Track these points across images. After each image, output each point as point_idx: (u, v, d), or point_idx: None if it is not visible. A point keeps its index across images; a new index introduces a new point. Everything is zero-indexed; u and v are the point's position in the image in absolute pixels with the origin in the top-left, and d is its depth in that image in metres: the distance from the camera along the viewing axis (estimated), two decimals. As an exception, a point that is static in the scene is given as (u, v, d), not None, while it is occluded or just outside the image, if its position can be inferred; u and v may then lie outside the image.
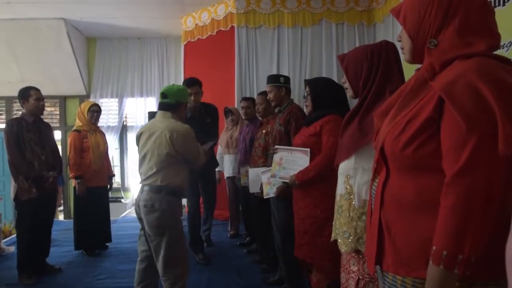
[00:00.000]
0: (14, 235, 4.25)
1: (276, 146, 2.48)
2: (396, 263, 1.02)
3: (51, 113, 6.61)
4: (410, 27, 1.05)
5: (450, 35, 0.98)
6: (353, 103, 1.80)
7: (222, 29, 5.06)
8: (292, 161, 2.27)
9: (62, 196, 6.13)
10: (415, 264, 0.96)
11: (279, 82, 2.90)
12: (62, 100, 6.57)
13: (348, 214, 1.56)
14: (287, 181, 2.32)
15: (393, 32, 4.35)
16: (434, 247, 0.89)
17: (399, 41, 1.14)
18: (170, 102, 2.41)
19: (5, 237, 4.62)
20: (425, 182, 0.96)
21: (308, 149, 2.20)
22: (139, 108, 6.66)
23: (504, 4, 2.73)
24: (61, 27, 5.59)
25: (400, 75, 1.59)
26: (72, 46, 5.79)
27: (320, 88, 2.33)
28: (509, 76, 0.88)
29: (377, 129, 1.14)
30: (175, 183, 2.31)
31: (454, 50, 0.96)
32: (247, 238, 4.18)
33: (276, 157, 2.39)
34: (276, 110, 3.03)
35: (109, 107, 6.58)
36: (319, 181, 2.13)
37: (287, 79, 2.94)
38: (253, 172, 3.09)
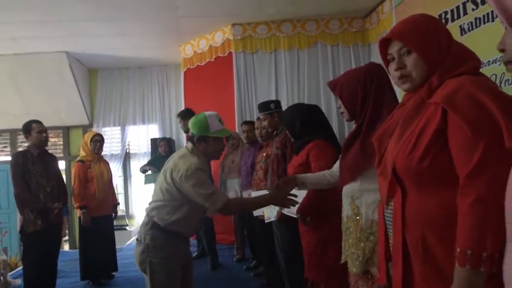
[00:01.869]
0: (20, 268, 4.25)
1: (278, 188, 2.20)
2: (430, 280, 1.02)
3: (54, 143, 6.69)
4: (426, 54, 1.08)
5: (449, 62, 1.06)
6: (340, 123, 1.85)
7: (220, 55, 5.18)
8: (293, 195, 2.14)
9: (67, 226, 6.16)
10: (450, 278, 0.96)
11: (270, 109, 2.97)
12: (66, 131, 6.66)
13: (356, 235, 1.58)
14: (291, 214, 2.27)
15: (387, 51, 4.44)
16: (458, 249, 0.92)
17: (401, 67, 1.14)
18: (191, 135, 2.18)
19: (11, 269, 4.61)
20: (447, 195, 0.99)
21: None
22: (142, 136, 6.74)
23: (493, 20, 2.82)
24: (63, 60, 5.73)
25: (392, 93, 1.64)
26: (75, 77, 5.92)
27: (290, 119, 2.42)
28: (493, 84, 0.99)
29: (379, 154, 1.18)
30: (165, 221, 2.04)
31: (450, 72, 1.05)
32: (253, 262, 4.17)
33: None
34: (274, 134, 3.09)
35: (111, 135, 6.66)
36: (318, 204, 2.16)
37: (277, 103, 3.03)
38: (255, 195, 3.12)
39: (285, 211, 2.30)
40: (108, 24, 4.71)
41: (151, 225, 2.06)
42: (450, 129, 0.97)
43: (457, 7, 3.20)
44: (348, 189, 1.66)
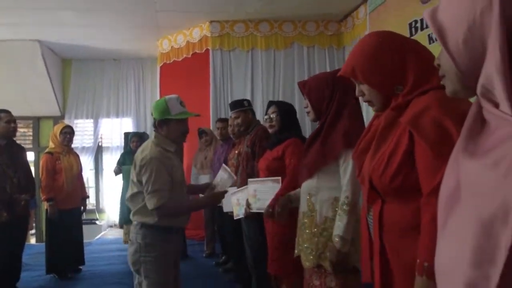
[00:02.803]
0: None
1: (248, 180, 2.43)
2: (406, 280, 1.09)
3: (23, 134, 6.52)
4: (374, 82, 1.16)
5: (411, 79, 1.12)
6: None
7: (197, 51, 5.19)
8: (266, 191, 2.21)
9: (34, 219, 6.02)
10: None
11: (244, 106, 3.01)
12: (36, 121, 6.50)
13: (310, 231, 1.65)
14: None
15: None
16: (418, 260, 1.00)
17: (361, 95, 1.24)
18: (154, 119, 2.10)
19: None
20: (415, 206, 1.06)
21: (279, 178, 2.17)
22: (115, 129, 6.66)
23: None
24: (35, 49, 5.60)
25: (355, 100, 1.73)
26: (47, 67, 5.79)
27: (288, 110, 2.47)
28: (460, 102, 1.00)
29: (359, 166, 1.26)
30: (152, 220, 1.98)
31: (416, 89, 1.10)
32: (223, 257, 4.21)
33: (250, 190, 2.33)
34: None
35: (84, 128, 6.56)
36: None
37: (249, 101, 3.08)
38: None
39: (254, 207, 2.34)
40: (84, 14, 4.63)
41: (141, 225, 2.01)
42: (416, 149, 1.05)
43: (426, 17, 3.34)
44: (306, 186, 1.74)
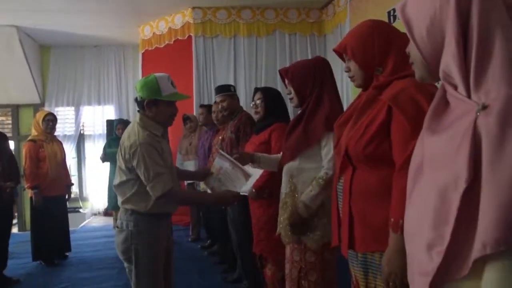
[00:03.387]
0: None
1: (221, 153, 2.16)
2: (368, 242, 1.26)
3: (2, 122, 6.41)
4: (359, 60, 1.34)
5: (391, 63, 1.28)
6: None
7: (180, 38, 5.18)
8: (229, 177, 2.03)
9: (16, 208, 5.97)
10: (384, 239, 1.17)
11: (230, 91, 3.08)
12: (15, 109, 6.38)
13: (291, 209, 1.75)
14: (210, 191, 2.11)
15: (341, 42, 4.66)
16: (392, 219, 1.14)
17: (347, 71, 1.41)
18: (138, 99, 1.91)
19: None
20: (385, 173, 1.22)
21: (252, 175, 2.02)
22: (97, 117, 6.61)
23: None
24: (13, 35, 5.47)
25: (334, 86, 1.87)
26: (25, 53, 5.67)
27: (273, 96, 2.53)
28: (432, 86, 1.15)
29: (337, 137, 1.40)
30: (143, 208, 1.87)
31: (394, 74, 1.26)
32: (208, 241, 4.31)
33: (217, 164, 2.09)
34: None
35: (65, 115, 6.48)
36: (271, 182, 2.31)
37: (235, 88, 3.15)
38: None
39: (240, 190, 2.21)
40: (63, -1, 4.56)
41: (131, 211, 1.89)
42: (393, 123, 1.19)
43: (404, 5, 3.44)
44: (287, 168, 1.84)
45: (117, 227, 1.96)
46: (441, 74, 0.82)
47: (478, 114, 0.70)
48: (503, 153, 0.66)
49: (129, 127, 1.97)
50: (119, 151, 1.92)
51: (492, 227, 0.65)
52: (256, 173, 2.07)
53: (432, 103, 0.90)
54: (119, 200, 1.95)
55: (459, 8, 0.76)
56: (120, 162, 1.91)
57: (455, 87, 0.79)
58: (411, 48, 0.91)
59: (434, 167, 0.81)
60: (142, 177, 1.82)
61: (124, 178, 1.89)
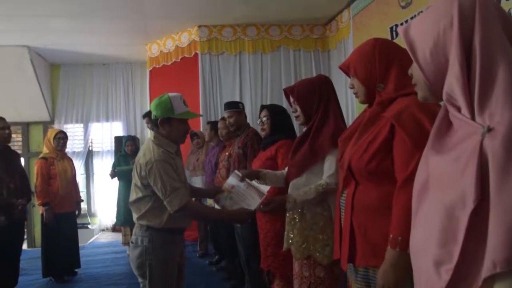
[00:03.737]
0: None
1: (236, 171, 2.16)
2: (367, 257, 1.29)
3: (12, 139, 6.48)
4: (361, 77, 1.38)
5: (392, 80, 1.33)
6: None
7: (186, 55, 5.29)
8: (242, 195, 2.03)
9: (26, 224, 6.03)
10: (382, 255, 1.21)
11: (239, 107, 3.14)
12: (25, 127, 6.50)
13: (301, 225, 1.79)
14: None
15: (345, 57, 4.71)
16: (391, 235, 1.17)
17: (351, 88, 1.47)
18: (153, 117, 2.00)
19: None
20: (385, 190, 1.25)
21: (265, 193, 1.99)
22: (105, 133, 6.71)
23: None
24: (24, 54, 5.61)
25: (337, 103, 1.92)
26: (36, 72, 5.81)
27: (279, 113, 2.59)
28: (434, 105, 1.18)
29: (341, 152, 1.44)
30: (158, 223, 1.92)
31: (397, 91, 1.30)
32: (216, 257, 4.32)
33: (229, 183, 2.10)
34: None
35: (74, 132, 6.59)
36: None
37: (243, 105, 3.21)
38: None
39: (221, 202, 2.17)
40: (73, 20, 4.69)
41: (147, 227, 1.94)
42: (395, 141, 1.22)
43: (406, 21, 3.51)
44: (294, 184, 1.88)
45: (132, 242, 2.01)
46: (444, 96, 0.84)
47: (483, 136, 0.73)
48: (511, 175, 0.68)
49: (144, 145, 2.04)
50: (135, 169, 1.97)
51: (502, 247, 0.67)
52: (265, 190, 2.08)
53: (435, 123, 0.93)
54: (134, 216, 2.00)
55: (462, 33, 0.78)
56: (135, 179, 1.96)
57: (459, 109, 0.81)
58: (414, 70, 0.94)
59: (440, 186, 0.83)
60: (159, 193, 1.87)
61: (140, 194, 1.94)
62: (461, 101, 0.79)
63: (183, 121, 1.99)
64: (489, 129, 0.72)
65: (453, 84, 0.80)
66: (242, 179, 2.05)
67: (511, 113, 0.71)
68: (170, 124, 1.96)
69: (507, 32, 0.80)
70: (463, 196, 0.74)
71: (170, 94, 1.97)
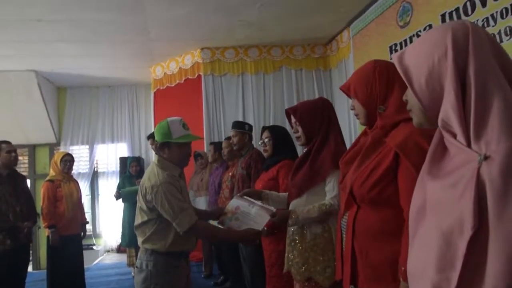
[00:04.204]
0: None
1: (238, 195, 2.16)
2: (370, 280, 1.28)
3: (19, 161, 6.57)
4: (362, 99, 1.39)
5: (394, 102, 1.32)
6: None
7: (190, 77, 5.38)
8: (248, 214, 2.02)
9: (31, 246, 6.04)
10: (384, 279, 1.21)
11: (244, 128, 3.19)
12: (32, 149, 6.59)
13: (300, 247, 1.80)
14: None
15: (346, 76, 4.79)
16: (402, 268, 1.14)
17: (352, 109, 1.48)
18: (157, 142, 2.04)
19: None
20: (386, 214, 1.25)
21: (274, 210, 1.97)
22: (110, 154, 6.77)
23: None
24: (31, 79, 5.74)
25: (338, 126, 1.95)
26: (43, 96, 5.93)
27: (281, 134, 2.62)
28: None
29: (343, 174, 1.44)
30: (163, 247, 1.93)
31: (399, 115, 1.29)
32: (221, 278, 4.30)
33: (233, 204, 2.10)
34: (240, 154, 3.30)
35: (79, 154, 6.65)
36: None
37: (250, 127, 3.25)
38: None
39: (226, 224, 2.15)
40: (80, 45, 4.82)
41: (151, 251, 1.95)
42: (400, 169, 1.22)
43: (405, 41, 3.58)
44: (294, 205, 1.90)
45: (137, 267, 2.01)
46: (440, 123, 0.87)
47: (480, 164, 0.74)
48: (509, 204, 0.70)
49: (149, 168, 2.06)
50: (139, 192, 1.99)
51: (503, 275, 0.69)
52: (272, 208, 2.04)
53: (430, 148, 0.94)
54: (139, 240, 2.00)
55: (457, 63, 0.81)
56: (141, 202, 1.98)
57: (454, 135, 0.83)
58: (409, 96, 0.96)
59: (438, 212, 0.84)
60: (167, 216, 1.88)
61: (145, 218, 1.96)
62: (457, 128, 0.81)
63: (182, 144, 2.01)
64: (486, 157, 0.74)
65: (448, 111, 0.82)
66: (245, 199, 2.06)
67: (507, 142, 0.73)
68: (169, 148, 2.00)
69: (498, 60, 0.83)
70: (461, 223, 0.75)
71: (170, 118, 2.00)
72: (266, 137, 2.53)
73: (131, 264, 4.83)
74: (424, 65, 0.87)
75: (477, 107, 0.78)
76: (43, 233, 4.63)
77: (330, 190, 1.81)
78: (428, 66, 0.86)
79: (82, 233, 4.11)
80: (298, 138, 1.98)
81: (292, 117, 1.98)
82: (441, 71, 0.84)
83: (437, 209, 0.85)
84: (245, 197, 2.10)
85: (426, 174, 0.92)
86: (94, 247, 6.52)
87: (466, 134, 0.80)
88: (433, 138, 0.95)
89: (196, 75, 5.32)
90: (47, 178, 3.95)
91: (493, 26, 2.55)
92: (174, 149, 2.00)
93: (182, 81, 5.47)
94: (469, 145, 0.79)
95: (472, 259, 0.74)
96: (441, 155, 0.90)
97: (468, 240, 0.74)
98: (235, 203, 2.10)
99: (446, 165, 0.87)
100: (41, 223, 3.83)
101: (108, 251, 6.81)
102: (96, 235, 6.82)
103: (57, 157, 3.98)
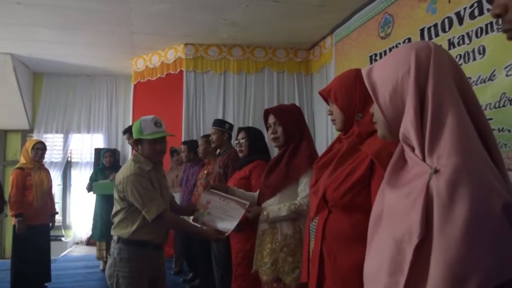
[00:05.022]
0: None
1: (211, 190, 2.17)
2: (336, 284, 1.30)
3: (-11, 147, 6.39)
4: (341, 105, 1.43)
5: (370, 112, 1.34)
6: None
7: (172, 72, 5.33)
8: (222, 208, 2.04)
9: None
10: (351, 284, 1.24)
11: (224, 127, 3.20)
12: (2, 134, 6.39)
13: (270, 247, 1.83)
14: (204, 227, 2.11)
15: (327, 81, 4.86)
16: None
17: (329, 114, 1.51)
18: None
19: None
20: (357, 219, 1.28)
21: (248, 203, 2.00)
22: (85, 145, 6.64)
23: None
24: (7, 62, 5.56)
25: (309, 130, 2.03)
26: (18, 80, 5.76)
27: (256, 135, 2.66)
28: None
29: (316, 178, 1.47)
30: (127, 233, 2.06)
31: (373, 123, 1.31)
32: (190, 274, 4.29)
33: (203, 200, 2.13)
34: (216, 153, 3.30)
35: (53, 142, 6.50)
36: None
37: (231, 126, 3.26)
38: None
39: (220, 227, 2.16)
40: (60, 31, 4.70)
41: (117, 239, 2.09)
42: (375, 178, 1.25)
43: (385, 51, 3.67)
44: (267, 205, 1.92)
45: (109, 254, 2.17)
46: (400, 136, 0.92)
47: (430, 177, 0.79)
48: (452, 215, 0.74)
49: (126, 163, 2.24)
50: (115, 183, 2.13)
51: (441, 282, 0.74)
52: (237, 214, 2.05)
53: (392, 159, 1.00)
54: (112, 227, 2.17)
55: (418, 82, 0.86)
56: (115, 193, 2.14)
57: (413, 149, 0.88)
58: (375, 110, 1.01)
59: (392, 219, 0.89)
60: (137, 204, 2.03)
61: (118, 207, 2.12)
62: (414, 142, 0.86)
63: (152, 141, 2.13)
64: (436, 171, 0.79)
65: (408, 126, 0.87)
66: (215, 193, 2.11)
67: (456, 157, 0.78)
68: (141, 144, 2.15)
69: (456, 81, 0.88)
70: (410, 231, 0.80)
71: (144, 117, 2.16)
72: (242, 138, 2.56)
73: (100, 257, 4.76)
74: (389, 82, 0.91)
75: (432, 123, 0.83)
76: (10, 222, 4.51)
77: (302, 191, 1.86)
78: (393, 83, 0.91)
79: (50, 224, 4.03)
80: (276, 139, 2.00)
81: (272, 118, 2.01)
82: (404, 88, 0.89)
83: (392, 217, 0.90)
84: (214, 190, 2.14)
85: (386, 184, 0.97)
86: (63, 239, 6.39)
87: (422, 148, 0.85)
88: (396, 150, 1.00)
89: (178, 70, 5.28)
90: (17, 165, 3.86)
91: (468, 44, 2.65)
92: (145, 145, 2.14)
93: (164, 76, 5.42)
94: (424, 158, 0.84)
95: (418, 265, 0.79)
96: (401, 166, 0.95)
97: (414, 247, 0.79)
98: (206, 198, 2.14)
99: (403, 176, 0.92)
100: (8, 211, 3.73)
101: (78, 243, 6.68)
102: (66, 226, 6.68)
103: (29, 144, 3.89)
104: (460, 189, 0.75)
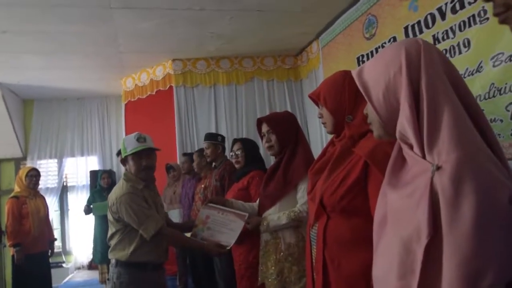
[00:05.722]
0: None
1: (209, 204, 2.14)
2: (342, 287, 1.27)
3: (-17, 178, 6.32)
4: (330, 107, 1.42)
5: (362, 113, 1.30)
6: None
7: (161, 89, 5.32)
8: (221, 222, 2.03)
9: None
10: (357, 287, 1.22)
11: (217, 140, 3.20)
12: (-4, 164, 6.33)
13: (275, 257, 1.81)
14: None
15: (316, 86, 4.84)
16: None
17: (320, 117, 1.50)
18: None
19: None
20: (356, 223, 1.27)
21: (247, 214, 2.00)
22: (80, 168, 6.59)
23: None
24: (-5, 91, 5.55)
25: (304, 135, 2.02)
26: (8, 109, 5.71)
27: (251, 146, 2.66)
28: None
29: (312, 184, 1.45)
30: (125, 255, 2.01)
31: (366, 124, 1.27)
32: (195, 291, 4.24)
33: (202, 215, 2.10)
34: (212, 166, 3.29)
35: (48, 168, 6.44)
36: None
37: (223, 138, 3.26)
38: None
39: (221, 241, 2.16)
40: (47, 57, 4.69)
41: (116, 263, 2.04)
42: (371, 179, 1.24)
43: (371, 52, 3.69)
44: (267, 214, 1.90)
45: (108, 279, 2.13)
46: (397, 135, 0.90)
47: (433, 174, 0.78)
48: (459, 212, 0.73)
49: (118, 183, 2.19)
50: (108, 205, 2.09)
51: (457, 280, 0.72)
52: (236, 228, 2.04)
53: (390, 159, 0.98)
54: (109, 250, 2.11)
55: (410, 78, 0.86)
56: (109, 215, 2.09)
57: (411, 147, 0.87)
58: (369, 110, 1.00)
59: (398, 220, 0.87)
60: (133, 224, 1.98)
61: (113, 229, 2.08)
62: (412, 140, 0.85)
63: (135, 157, 2.09)
64: (438, 167, 0.78)
65: (404, 124, 0.86)
66: (213, 207, 2.08)
67: (456, 152, 0.77)
68: (127, 161, 2.14)
69: (448, 75, 0.87)
70: (418, 231, 0.79)
71: (128, 135, 2.16)
72: (237, 149, 2.56)
73: (103, 281, 4.70)
74: (381, 81, 0.90)
75: (429, 119, 0.82)
76: (8, 252, 4.44)
77: (301, 197, 1.85)
78: (385, 82, 0.90)
79: (49, 251, 3.97)
80: (270, 147, 2.00)
81: (265, 126, 2.01)
82: (397, 86, 0.88)
83: (397, 218, 0.88)
84: (212, 204, 2.12)
85: (386, 184, 0.96)
86: (64, 265, 6.29)
87: (421, 146, 0.83)
88: (393, 150, 0.99)
89: (167, 87, 5.28)
90: (12, 194, 3.82)
91: (452, 38, 2.67)
92: (130, 162, 2.12)
93: (154, 93, 5.41)
94: (424, 156, 0.83)
95: (430, 265, 0.77)
96: (400, 166, 0.94)
97: (424, 247, 0.77)
98: (205, 213, 2.11)
99: (404, 176, 0.90)
100: (6, 241, 3.68)
101: (79, 268, 6.58)
102: (66, 252, 6.58)
103: (22, 172, 3.85)
104: (464, 184, 0.73)
